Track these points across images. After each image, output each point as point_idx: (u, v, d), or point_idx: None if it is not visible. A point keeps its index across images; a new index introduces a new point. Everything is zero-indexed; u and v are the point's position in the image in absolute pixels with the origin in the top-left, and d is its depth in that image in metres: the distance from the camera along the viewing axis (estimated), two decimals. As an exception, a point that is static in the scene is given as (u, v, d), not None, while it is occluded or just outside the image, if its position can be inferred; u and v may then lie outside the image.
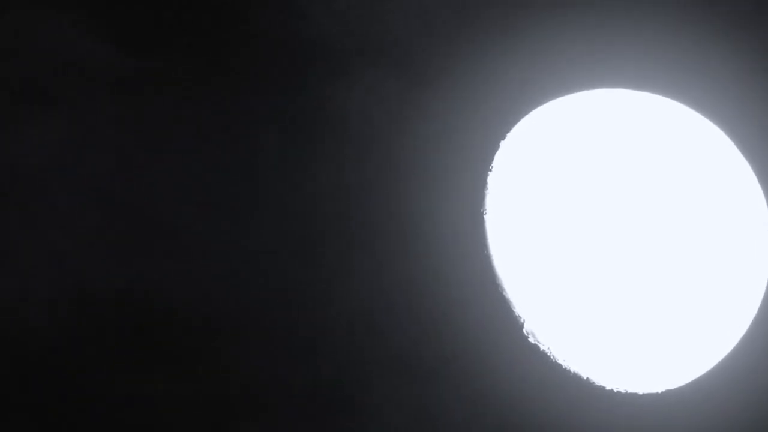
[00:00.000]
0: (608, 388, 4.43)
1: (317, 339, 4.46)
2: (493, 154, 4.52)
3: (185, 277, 4.43)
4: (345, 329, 4.47)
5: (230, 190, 4.46)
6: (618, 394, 4.43)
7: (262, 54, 4.44)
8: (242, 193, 4.47)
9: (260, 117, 4.46)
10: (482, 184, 4.51)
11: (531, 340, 4.46)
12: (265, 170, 4.47)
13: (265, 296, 4.47)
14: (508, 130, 4.53)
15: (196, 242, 4.44)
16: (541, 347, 4.45)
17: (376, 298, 4.47)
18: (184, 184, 4.44)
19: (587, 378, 4.43)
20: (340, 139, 4.45)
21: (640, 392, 4.42)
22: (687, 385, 4.41)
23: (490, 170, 4.51)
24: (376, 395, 4.46)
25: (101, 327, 4.39)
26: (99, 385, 4.40)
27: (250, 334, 4.46)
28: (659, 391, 4.41)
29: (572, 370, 4.44)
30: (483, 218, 4.50)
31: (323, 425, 4.45)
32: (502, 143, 4.52)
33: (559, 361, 4.45)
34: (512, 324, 4.48)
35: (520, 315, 4.47)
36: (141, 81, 4.42)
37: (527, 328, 4.47)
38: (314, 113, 4.45)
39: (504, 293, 4.48)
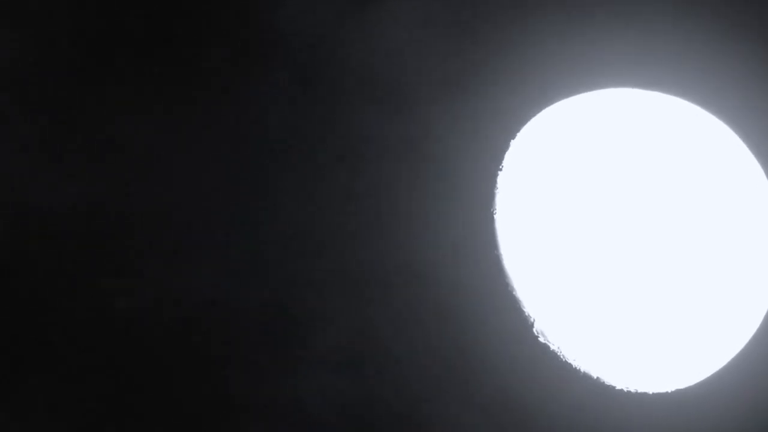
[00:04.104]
0: (618, 387, 4.43)
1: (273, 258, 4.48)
2: (504, 154, 4.53)
3: (135, 194, 4.44)
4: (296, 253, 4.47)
5: (182, 106, 4.46)
6: (628, 394, 4.43)
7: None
8: (195, 109, 4.47)
9: (208, 38, 4.47)
10: (492, 184, 4.52)
11: (541, 339, 4.47)
12: (216, 93, 4.48)
13: (216, 215, 4.47)
14: (519, 130, 4.53)
15: (146, 158, 4.46)
16: (552, 347, 4.46)
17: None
18: (136, 100, 4.46)
19: (597, 377, 4.44)
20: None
21: (650, 392, 4.42)
22: (697, 385, 4.40)
23: (501, 170, 4.52)
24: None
25: (47, 243, 4.41)
26: (46, 303, 4.43)
27: (203, 252, 4.46)
28: (669, 391, 4.41)
29: (582, 370, 4.45)
30: (493, 218, 4.51)
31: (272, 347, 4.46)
32: (513, 143, 4.52)
33: (569, 361, 4.45)
34: (522, 323, 4.49)
35: (531, 314, 4.48)
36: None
37: (537, 327, 4.48)
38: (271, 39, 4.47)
39: (514, 293, 4.49)
